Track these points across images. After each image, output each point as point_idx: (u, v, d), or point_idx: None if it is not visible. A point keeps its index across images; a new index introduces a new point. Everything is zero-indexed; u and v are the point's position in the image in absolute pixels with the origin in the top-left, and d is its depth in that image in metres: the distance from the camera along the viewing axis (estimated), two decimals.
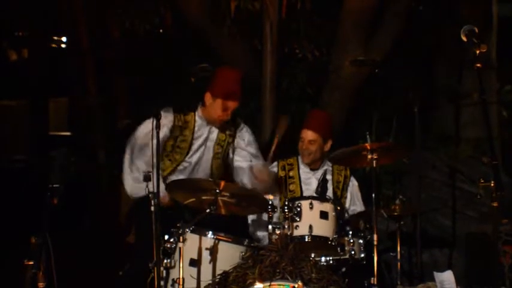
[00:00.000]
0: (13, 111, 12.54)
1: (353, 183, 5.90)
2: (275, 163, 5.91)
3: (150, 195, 4.72)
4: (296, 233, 5.10)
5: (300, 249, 4.75)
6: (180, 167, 5.58)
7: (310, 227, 5.11)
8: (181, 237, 4.76)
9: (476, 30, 4.35)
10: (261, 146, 7.06)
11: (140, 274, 5.04)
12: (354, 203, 5.88)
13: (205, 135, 5.58)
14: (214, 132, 5.60)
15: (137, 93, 9.73)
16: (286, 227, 5.03)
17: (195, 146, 5.57)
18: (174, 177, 5.50)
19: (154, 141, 4.79)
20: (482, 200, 4.20)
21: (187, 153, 5.56)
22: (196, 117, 5.55)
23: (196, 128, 5.55)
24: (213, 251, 4.89)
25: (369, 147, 5.18)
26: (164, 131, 5.31)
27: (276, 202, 5.38)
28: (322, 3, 8.40)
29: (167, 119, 5.41)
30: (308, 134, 5.73)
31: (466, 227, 7.01)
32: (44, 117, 12.33)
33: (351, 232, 5.23)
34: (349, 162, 5.65)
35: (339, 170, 5.85)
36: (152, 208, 4.71)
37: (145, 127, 5.39)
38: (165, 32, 9.89)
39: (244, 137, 5.73)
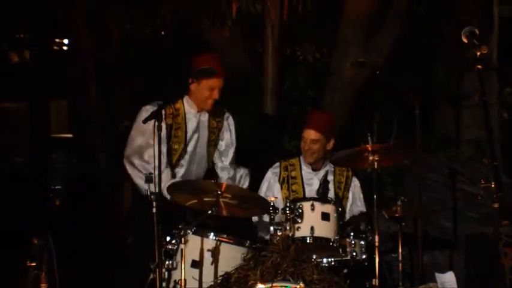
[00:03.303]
0: (14, 113, 12.53)
1: (355, 184, 5.90)
2: (277, 164, 5.92)
3: (151, 197, 4.73)
4: (298, 234, 5.09)
5: (302, 251, 4.76)
6: (181, 160, 5.58)
7: (312, 228, 5.11)
8: (183, 239, 4.78)
9: (477, 32, 4.36)
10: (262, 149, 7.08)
11: (139, 275, 5.04)
12: (356, 203, 5.88)
13: (196, 122, 5.56)
14: (205, 119, 5.59)
15: (138, 95, 9.72)
16: (287, 228, 5.04)
17: (189, 133, 5.57)
18: (177, 171, 5.52)
19: (156, 143, 4.79)
20: (483, 201, 4.20)
21: (185, 140, 5.55)
22: (185, 104, 5.55)
23: (187, 115, 5.55)
24: (215, 252, 4.90)
25: (370, 149, 5.19)
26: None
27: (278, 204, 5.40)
28: (323, 6, 8.41)
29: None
30: (310, 134, 5.74)
31: (466, 228, 7.01)
32: (45, 119, 12.34)
33: (352, 233, 5.24)
34: (350, 164, 5.66)
35: (340, 170, 5.85)
36: (154, 210, 4.72)
37: (141, 128, 5.38)
38: (166, 34, 9.89)
39: (230, 125, 5.76)
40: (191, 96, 5.52)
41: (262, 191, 5.86)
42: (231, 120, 5.76)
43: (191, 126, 5.56)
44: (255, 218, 5.76)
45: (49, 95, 12.31)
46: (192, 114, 5.56)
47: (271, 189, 5.85)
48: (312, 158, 5.76)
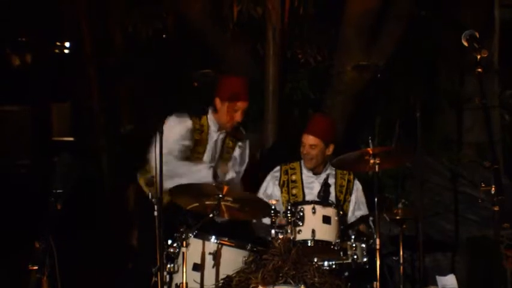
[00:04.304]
0: (15, 116, 12.52)
1: (357, 187, 5.91)
2: (277, 167, 5.93)
3: (153, 200, 4.74)
4: (299, 237, 5.11)
5: (303, 254, 4.77)
6: None
7: (313, 231, 5.11)
8: (184, 242, 4.79)
9: (477, 35, 4.36)
10: (263, 153, 7.10)
11: (143, 277, 5.05)
12: (359, 207, 5.88)
13: (214, 139, 5.63)
14: (222, 137, 5.66)
15: (140, 98, 9.73)
16: (288, 231, 5.05)
17: (208, 150, 5.62)
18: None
19: (157, 145, 4.80)
20: (484, 204, 4.21)
21: (203, 156, 5.61)
22: (209, 121, 5.62)
23: (210, 131, 5.62)
24: (216, 255, 4.92)
25: (371, 152, 5.20)
26: (188, 136, 5.38)
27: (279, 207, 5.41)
28: (324, 8, 8.41)
29: (186, 124, 5.49)
30: (309, 139, 5.75)
31: (468, 231, 7.01)
32: (47, 122, 12.33)
33: (353, 236, 5.25)
34: (351, 167, 5.66)
35: (342, 174, 5.86)
36: (155, 213, 4.72)
37: (172, 133, 5.41)
38: (168, 36, 9.90)
39: (245, 148, 5.83)
40: (214, 114, 5.58)
41: (261, 193, 5.87)
42: (247, 144, 5.84)
43: (210, 143, 5.63)
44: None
45: (51, 98, 12.32)
46: (214, 131, 5.63)
47: (271, 191, 5.85)
48: (310, 163, 5.78)
